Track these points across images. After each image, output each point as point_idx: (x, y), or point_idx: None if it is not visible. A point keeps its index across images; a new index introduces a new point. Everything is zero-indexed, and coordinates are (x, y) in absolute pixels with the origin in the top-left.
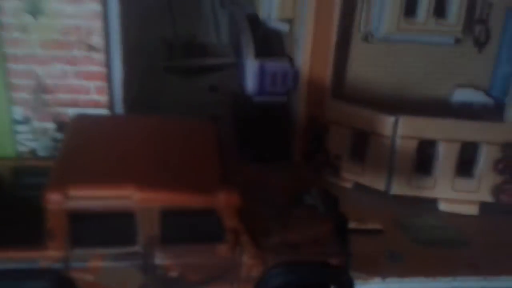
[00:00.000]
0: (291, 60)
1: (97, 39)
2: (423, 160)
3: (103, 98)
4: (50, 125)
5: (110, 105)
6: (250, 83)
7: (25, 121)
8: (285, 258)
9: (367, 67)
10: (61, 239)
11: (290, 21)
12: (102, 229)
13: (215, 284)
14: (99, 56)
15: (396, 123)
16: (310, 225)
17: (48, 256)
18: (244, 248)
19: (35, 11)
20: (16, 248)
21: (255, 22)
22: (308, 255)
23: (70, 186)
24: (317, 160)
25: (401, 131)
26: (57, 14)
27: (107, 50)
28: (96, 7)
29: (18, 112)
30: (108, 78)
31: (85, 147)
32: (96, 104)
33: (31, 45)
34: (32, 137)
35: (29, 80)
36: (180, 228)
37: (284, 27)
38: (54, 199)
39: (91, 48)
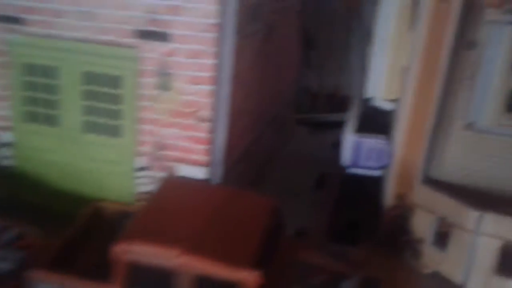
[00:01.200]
0: (390, 137)
1: (206, 113)
2: (505, 261)
3: (205, 158)
4: (163, 175)
5: (211, 164)
6: (346, 155)
7: (145, 169)
8: None
9: (461, 155)
10: (119, 282)
11: (394, 101)
12: (152, 282)
13: None
14: (207, 125)
15: (480, 219)
16: None
17: None
18: None
19: (164, 87)
20: (87, 281)
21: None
22: None
23: (134, 240)
24: (399, 241)
25: (485, 228)
26: (180, 91)
27: (214, 121)
28: (210, 87)
29: (140, 161)
30: (211, 143)
31: (159, 206)
32: (200, 163)
33: (157, 112)
34: (148, 183)
35: (151, 138)
36: None
37: (388, 106)
38: (118, 250)
39: (201, 119)
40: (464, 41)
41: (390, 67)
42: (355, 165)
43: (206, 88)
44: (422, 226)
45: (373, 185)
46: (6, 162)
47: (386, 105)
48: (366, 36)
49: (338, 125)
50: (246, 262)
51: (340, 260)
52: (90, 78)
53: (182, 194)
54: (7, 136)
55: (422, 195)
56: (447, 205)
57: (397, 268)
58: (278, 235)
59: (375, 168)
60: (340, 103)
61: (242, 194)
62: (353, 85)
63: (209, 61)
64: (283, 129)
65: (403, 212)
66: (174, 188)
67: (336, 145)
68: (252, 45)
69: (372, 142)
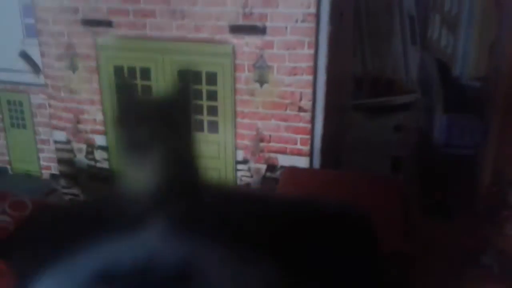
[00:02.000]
0: (481, 115)
1: (306, 102)
2: None
3: (305, 148)
4: (263, 166)
5: (310, 154)
6: (438, 135)
7: (244, 162)
8: None
9: None
10: None
11: (482, 79)
12: None
13: None
14: (306, 115)
15: None
16: (483, 287)
17: None
18: None
19: (261, 81)
20: None
21: (444, 71)
22: None
23: None
24: (500, 216)
25: None
26: (278, 83)
27: (313, 111)
28: (309, 77)
29: (240, 154)
30: (311, 133)
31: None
32: (300, 153)
33: (255, 105)
34: (248, 175)
35: (251, 131)
36: None
37: (476, 84)
38: None
39: (301, 109)
40: None
41: (477, 44)
42: (448, 145)
43: (305, 78)
44: None
45: (454, 164)
46: (101, 165)
47: (474, 83)
48: (409, 20)
49: (394, 109)
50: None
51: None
52: (185, 76)
53: (308, 182)
54: (101, 140)
55: None
56: None
57: (500, 241)
58: (409, 214)
59: (469, 147)
60: (386, 86)
61: (366, 178)
62: (408, 68)
63: (308, 51)
64: (344, 116)
65: (503, 187)
66: (299, 177)
67: (398, 129)
68: (335, 32)
69: (464, 121)
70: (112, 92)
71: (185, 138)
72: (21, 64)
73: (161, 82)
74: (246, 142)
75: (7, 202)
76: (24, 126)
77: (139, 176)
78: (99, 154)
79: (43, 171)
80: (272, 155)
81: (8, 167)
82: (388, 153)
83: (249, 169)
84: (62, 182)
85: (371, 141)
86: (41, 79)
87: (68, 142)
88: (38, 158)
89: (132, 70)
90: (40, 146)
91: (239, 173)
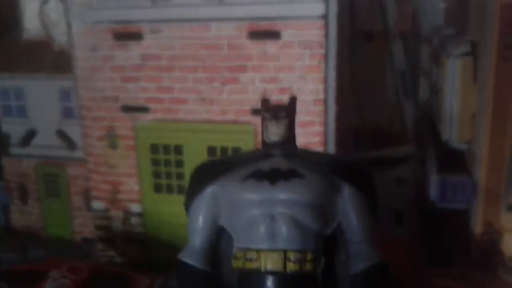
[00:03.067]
0: (469, 174)
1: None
2: None
3: None
4: None
5: None
6: (434, 192)
7: None
8: None
9: None
10: None
11: (468, 142)
12: None
13: None
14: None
15: None
16: None
17: None
18: None
19: None
20: None
21: (435, 134)
22: None
23: None
24: (492, 261)
25: None
26: None
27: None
28: (321, 149)
29: None
30: None
31: None
32: None
33: None
34: None
35: None
36: None
37: (463, 147)
38: None
39: None
40: None
41: (461, 114)
42: (442, 201)
43: (318, 149)
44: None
45: (449, 217)
46: (136, 230)
47: (461, 146)
48: (401, 76)
49: (394, 161)
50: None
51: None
52: (212, 151)
53: None
54: (137, 207)
55: (509, 220)
56: None
57: (496, 285)
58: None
59: (462, 202)
60: (384, 138)
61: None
62: (403, 120)
63: (319, 129)
64: None
65: (493, 236)
66: None
67: (399, 181)
68: (339, 109)
69: (456, 179)
70: (148, 165)
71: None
72: (58, 141)
73: (193, 157)
74: None
75: (65, 267)
76: (58, 196)
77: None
78: (135, 220)
79: (76, 235)
80: None
81: (43, 232)
82: (391, 205)
83: None
84: (99, 245)
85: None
86: (76, 154)
87: (106, 210)
88: (72, 224)
89: (167, 147)
90: (73, 213)
91: None
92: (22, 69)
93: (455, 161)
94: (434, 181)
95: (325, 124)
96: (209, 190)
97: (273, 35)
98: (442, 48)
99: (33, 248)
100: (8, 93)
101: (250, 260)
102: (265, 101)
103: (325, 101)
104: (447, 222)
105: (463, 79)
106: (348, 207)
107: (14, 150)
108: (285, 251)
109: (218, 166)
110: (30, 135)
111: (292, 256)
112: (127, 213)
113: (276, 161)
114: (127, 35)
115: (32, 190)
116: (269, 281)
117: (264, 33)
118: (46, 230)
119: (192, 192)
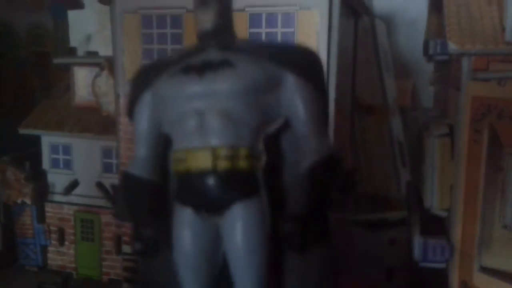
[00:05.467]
0: (448, 237)
1: None
2: None
3: None
4: None
5: None
6: (417, 253)
7: None
8: None
9: (507, 253)
10: None
11: (446, 209)
12: None
13: None
14: None
15: None
16: None
17: None
18: None
19: None
20: None
21: (420, 201)
22: None
23: None
24: None
25: None
26: None
27: None
28: None
29: None
30: None
31: None
32: None
33: None
34: None
35: None
36: None
37: (443, 214)
38: None
39: None
40: (493, 166)
41: (441, 185)
42: (424, 260)
43: None
44: None
45: (432, 276)
46: None
47: (441, 213)
48: (398, 146)
49: (389, 224)
50: None
51: None
52: None
53: None
54: None
55: (481, 280)
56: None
57: None
58: None
59: (440, 262)
60: (381, 203)
61: None
62: (399, 187)
63: None
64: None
65: None
66: None
67: (392, 243)
68: None
69: (436, 242)
70: None
71: None
72: (96, 192)
73: None
74: None
75: None
76: (92, 240)
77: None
78: None
79: (104, 276)
80: None
81: (74, 272)
82: (383, 264)
83: None
84: (125, 286)
85: (369, 254)
86: (110, 204)
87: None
88: (101, 266)
89: None
90: (103, 256)
91: None
92: (72, 128)
93: (435, 225)
94: (417, 242)
95: None
96: (146, 96)
97: None
98: (426, 128)
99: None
100: (57, 148)
101: (180, 161)
102: None
103: None
104: (430, 281)
105: (442, 155)
106: (293, 99)
107: (57, 197)
108: (214, 148)
109: (154, 68)
110: (73, 185)
111: (222, 152)
112: None
113: (208, 54)
114: None
115: (69, 233)
116: (199, 181)
117: None
118: (78, 271)
119: (132, 100)
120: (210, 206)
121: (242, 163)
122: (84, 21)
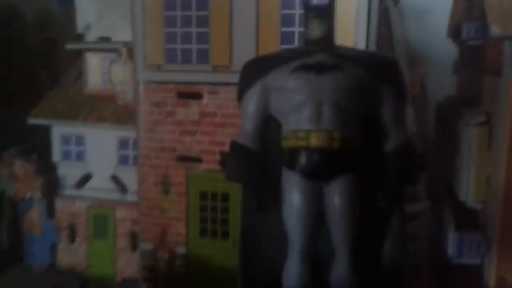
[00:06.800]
0: (484, 231)
1: None
2: None
3: None
4: None
5: None
6: (451, 249)
7: None
8: None
9: None
10: None
11: (482, 202)
12: None
13: None
14: None
15: None
16: None
17: None
18: None
19: None
20: None
21: (452, 195)
22: None
23: None
24: None
25: None
26: None
27: None
28: None
29: None
30: None
31: None
32: None
33: None
34: None
35: None
36: None
37: (478, 206)
38: None
39: None
40: None
41: (477, 177)
42: (459, 256)
43: None
44: None
45: (464, 272)
46: (180, 270)
47: (476, 206)
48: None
49: (408, 217)
50: None
51: None
52: None
53: None
54: (181, 249)
55: None
56: None
57: None
58: None
59: (476, 258)
60: None
61: None
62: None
63: None
64: None
65: None
66: None
67: (414, 238)
68: None
69: (472, 237)
70: (195, 211)
71: None
72: (111, 185)
73: (238, 205)
74: None
75: None
76: (106, 236)
77: None
78: (179, 261)
79: (118, 275)
80: None
81: (85, 271)
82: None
83: None
84: (143, 286)
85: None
86: (126, 198)
87: (154, 251)
88: (114, 264)
89: (214, 195)
90: (118, 253)
91: None
92: (86, 118)
93: (471, 219)
94: (451, 237)
95: None
96: (259, 84)
97: None
98: (459, 118)
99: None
100: (69, 139)
101: (300, 138)
102: (306, 2)
103: None
104: (464, 277)
105: (479, 146)
106: (384, 96)
107: (68, 192)
108: (330, 131)
109: (266, 62)
110: (86, 179)
111: (336, 135)
112: (172, 255)
113: (320, 56)
114: (189, 94)
115: (80, 230)
116: (316, 155)
117: None
118: (90, 270)
119: (243, 86)
120: (321, 174)
121: (349, 144)
122: (81, 10)
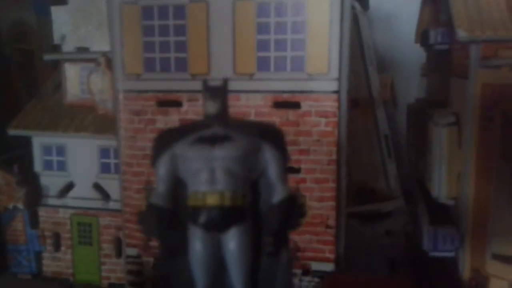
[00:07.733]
0: (457, 225)
1: (331, 221)
2: None
3: (333, 256)
4: (299, 271)
5: (336, 260)
6: (426, 242)
7: None
8: None
9: None
10: None
11: (454, 198)
12: None
13: None
14: (332, 231)
15: None
16: None
17: None
18: None
19: None
20: None
21: (426, 192)
22: None
23: None
24: None
25: None
26: (310, 207)
27: (337, 227)
28: (333, 203)
29: None
30: (336, 244)
31: None
32: (328, 260)
33: None
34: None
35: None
36: None
37: (450, 202)
38: None
39: (328, 226)
40: (506, 153)
41: (449, 174)
42: (434, 249)
43: (330, 204)
44: None
45: (440, 265)
46: None
47: (449, 202)
48: (384, 138)
49: (383, 215)
50: None
51: None
52: None
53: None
54: None
55: (494, 267)
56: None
57: None
58: None
59: (451, 251)
60: (370, 194)
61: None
62: (387, 177)
63: (332, 185)
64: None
65: (480, 281)
66: (340, 284)
67: (389, 233)
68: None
69: (446, 231)
70: None
71: None
72: (94, 193)
73: None
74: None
75: None
76: (90, 243)
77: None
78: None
79: (104, 281)
80: (306, 261)
81: (71, 278)
82: (384, 256)
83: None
84: None
85: (368, 245)
86: (109, 205)
87: (138, 256)
88: (100, 270)
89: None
90: (103, 259)
91: None
92: (66, 128)
93: (445, 214)
94: (426, 232)
95: (338, 181)
96: (168, 153)
97: (294, 105)
98: (430, 119)
99: None
100: (50, 149)
101: (199, 199)
102: (205, 83)
103: (338, 161)
104: (440, 270)
105: (449, 145)
106: (267, 158)
107: (51, 201)
108: (222, 192)
109: (173, 134)
110: (68, 188)
111: (227, 194)
112: (157, 259)
113: (214, 129)
114: (168, 102)
115: (65, 238)
116: (212, 213)
117: (286, 104)
118: (76, 277)
119: (155, 154)
120: (216, 227)
121: (239, 201)
122: (58, 21)
